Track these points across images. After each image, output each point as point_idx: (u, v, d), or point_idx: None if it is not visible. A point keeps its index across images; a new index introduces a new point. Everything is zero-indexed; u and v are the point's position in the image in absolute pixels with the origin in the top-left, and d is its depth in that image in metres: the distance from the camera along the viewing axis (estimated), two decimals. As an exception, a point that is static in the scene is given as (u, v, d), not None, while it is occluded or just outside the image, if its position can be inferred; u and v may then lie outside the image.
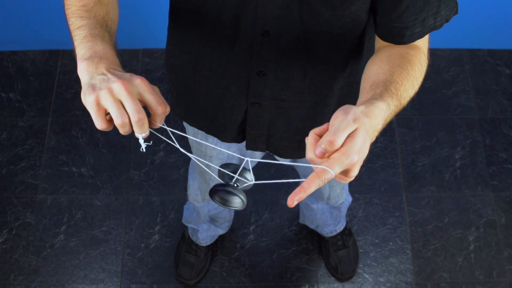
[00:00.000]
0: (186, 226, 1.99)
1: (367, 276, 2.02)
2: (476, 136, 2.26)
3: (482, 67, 2.41)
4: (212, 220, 1.88)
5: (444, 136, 2.26)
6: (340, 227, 1.98)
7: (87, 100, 0.80)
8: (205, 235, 1.94)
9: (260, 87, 1.12)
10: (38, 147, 2.21)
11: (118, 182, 2.15)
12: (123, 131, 0.80)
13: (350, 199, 1.91)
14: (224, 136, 1.28)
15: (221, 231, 1.97)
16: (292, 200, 0.73)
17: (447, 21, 0.98)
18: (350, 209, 2.10)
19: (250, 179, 0.76)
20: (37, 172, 2.16)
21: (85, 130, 2.24)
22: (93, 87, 0.79)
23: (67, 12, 0.93)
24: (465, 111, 2.31)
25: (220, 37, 1.06)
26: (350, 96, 1.11)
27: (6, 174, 2.16)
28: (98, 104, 0.80)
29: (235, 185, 0.76)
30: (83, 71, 0.82)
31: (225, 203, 0.76)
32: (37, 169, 2.17)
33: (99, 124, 0.82)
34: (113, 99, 0.78)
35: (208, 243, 1.98)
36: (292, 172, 2.10)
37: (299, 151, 1.30)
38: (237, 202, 0.75)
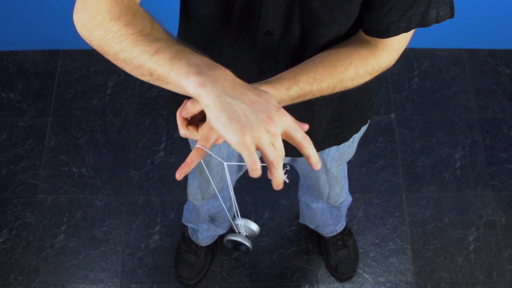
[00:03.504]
0: (186, 226, 1.99)
1: (367, 276, 2.02)
2: (476, 136, 2.26)
3: (482, 67, 2.41)
4: (212, 219, 1.88)
5: (444, 136, 2.26)
6: (340, 227, 1.98)
7: (239, 139, 0.74)
8: (205, 235, 1.94)
9: None
10: (38, 147, 2.21)
11: (118, 182, 2.15)
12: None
13: (350, 199, 1.91)
14: None
15: (221, 231, 1.96)
16: (179, 174, 0.84)
17: (437, 21, 0.98)
18: (350, 209, 2.10)
19: (255, 229, 0.93)
20: (37, 172, 2.16)
21: (85, 130, 2.24)
22: (245, 125, 0.74)
23: (121, 46, 0.84)
24: (465, 111, 2.31)
25: (223, 36, 1.06)
26: (350, 93, 1.11)
27: (6, 174, 2.16)
28: (254, 146, 0.75)
29: (244, 234, 0.92)
30: (198, 88, 0.76)
31: (236, 248, 0.94)
32: (37, 169, 2.17)
33: (257, 162, 0.76)
34: (267, 144, 0.75)
35: (208, 243, 1.98)
36: (292, 172, 2.10)
37: (297, 150, 1.30)
38: (244, 247, 0.93)
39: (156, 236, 2.07)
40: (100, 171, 2.17)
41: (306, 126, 0.82)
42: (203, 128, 0.89)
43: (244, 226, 0.92)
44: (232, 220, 0.94)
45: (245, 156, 0.75)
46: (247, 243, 0.90)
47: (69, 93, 2.31)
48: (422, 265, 2.03)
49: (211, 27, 1.06)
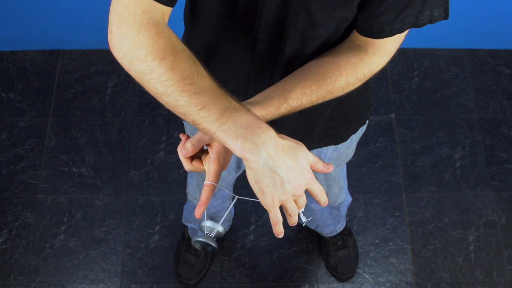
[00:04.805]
0: (186, 226, 2.00)
1: (367, 276, 2.02)
2: (476, 136, 2.26)
3: (482, 67, 2.41)
4: (212, 219, 1.88)
5: (444, 136, 2.26)
6: (340, 227, 1.98)
7: (269, 202, 0.86)
8: (205, 235, 1.94)
9: (259, 86, 1.13)
10: (38, 147, 2.21)
11: (118, 182, 2.15)
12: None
13: (349, 199, 1.91)
14: None
15: (221, 231, 1.96)
16: (198, 213, 0.92)
17: (430, 22, 0.98)
18: (350, 209, 2.10)
19: (221, 230, 1.02)
20: (37, 172, 2.16)
21: (85, 130, 2.24)
22: (278, 192, 0.85)
23: (166, 90, 0.85)
24: (465, 111, 2.31)
25: (226, 36, 1.07)
26: (348, 94, 1.11)
27: (6, 174, 2.16)
28: (280, 203, 0.87)
29: (211, 235, 1.01)
30: (245, 154, 0.83)
31: (203, 248, 1.02)
32: (37, 169, 2.17)
33: (280, 222, 0.89)
34: (290, 202, 0.87)
35: (208, 243, 1.98)
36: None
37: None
38: (211, 248, 1.01)
39: (156, 236, 2.07)
40: (100, 171, 2.17)
41: (332, 167, 0.91)
42: (209, 163, 0.93)
43: (211, 228, 1.02)
44: (200, 222, 1.03)
45: (270, 215, 0.87)
46: (213, 244, 1.00)
47: (69, 93, 2.31)
48: (422, 265, 2.03)
49: (215, 27, 1.06)
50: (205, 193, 0.93)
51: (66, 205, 2.11)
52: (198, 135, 0.92)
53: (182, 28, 1.18)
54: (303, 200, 0.88)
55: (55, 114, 2.27)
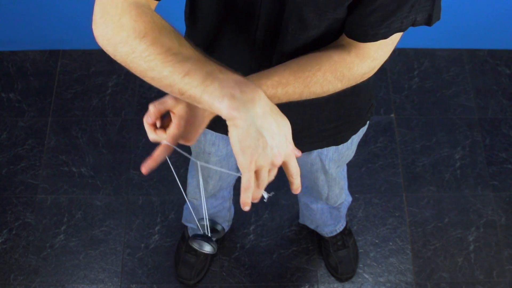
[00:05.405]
0: (186, 226, 2.00)
1: (367, 276, 2.02)
2: (476, 136, 2.26)
3: (482, 67, 2.41)
4: (211, 220, 1.88)
5: (444, 136, 2.26)
6: (340, 227, 1.98)
7: (246, 164, 0.83)
8: (205, 235, 1.94)
9: None
10: (38, 147, 2.21)
11: (118, 182, 2.15)
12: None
13: (349, 199, 1.91)
14: (218, 128, 1.29)
15: (221, 231, 1.96)
16: (145, 169, 0.96)
17: (413, 25, 0.97)
18: (350, 209, 2.10)
19: (220, 229, 1.01)
20: (37, 172, 2.16)
21: (85, 130, 2.24)
22: (257, 155, 0.82)
23: (150, 65, 0.84)
24: (465, 111, 2.31)
25: (226, 36, 1.07)
26: (348, 94, 1.11)
27: (6, 174, 2.16)
28: (256, 168, 0.85)
29: (209, 235, 0.98)
30: (232, 112, 0.81)
31: (201, 248, 0.99)
32: (37, 169, 2.17)
33: (251, 187, 0.86)
34: (265, 171, 0.85)
35: (208, 243, 1.98)
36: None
37: (303, 145, 1.30)
38: (209, 248, 0.98)
39: (156, 236, 2.07)
40: (100, 171, 2.17)
41: (300, 154, 0.89)
42: (170, 127, 0.93)
43: (209, 227, 0.99)
44: (199, 221, 1.01)
45: (243, 178, 0.84)
46: (211, 244, 0.97)
47: (69, 93, 2.31)
48: (422, 265, 2.03)
49: (215, 26, 1.06)
50: (158, 151, 0.93)
51: (66, 205, 2.11)
52: (162, 99, 0.91)
53: (183, 29, 1.19)
54: (274, 173, 0.87)
55: (55, 114, 2.27)
